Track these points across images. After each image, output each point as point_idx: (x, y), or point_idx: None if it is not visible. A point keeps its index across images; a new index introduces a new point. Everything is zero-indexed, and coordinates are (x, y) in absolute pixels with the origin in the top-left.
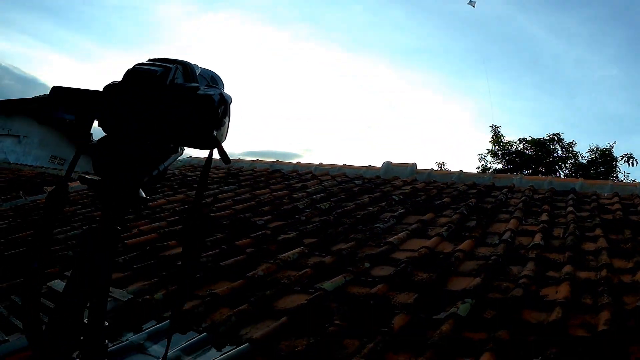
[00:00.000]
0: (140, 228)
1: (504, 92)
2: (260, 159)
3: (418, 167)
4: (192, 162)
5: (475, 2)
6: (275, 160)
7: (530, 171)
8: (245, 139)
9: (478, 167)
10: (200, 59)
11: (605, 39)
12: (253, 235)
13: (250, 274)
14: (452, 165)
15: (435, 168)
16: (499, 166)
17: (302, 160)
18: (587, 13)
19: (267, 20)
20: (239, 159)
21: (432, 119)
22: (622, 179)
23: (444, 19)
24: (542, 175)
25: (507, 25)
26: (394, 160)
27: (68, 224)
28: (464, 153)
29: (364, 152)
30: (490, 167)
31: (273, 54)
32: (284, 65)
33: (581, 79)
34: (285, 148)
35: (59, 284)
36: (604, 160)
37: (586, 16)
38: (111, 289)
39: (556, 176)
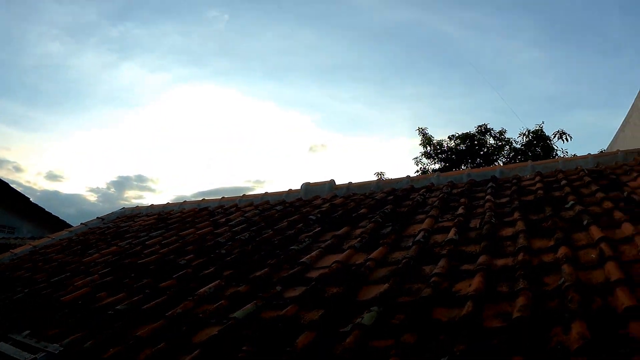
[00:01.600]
0: (76, 284)
1: (435, 94)
2: (187, 200)
3: (337, 183)
4: (124, 213)
5: None
6: (201, 199)
7: (470, 166)
8: (194, 180)
9: (417, 171)
10: (123, 107)
11: (518, 25)
12: (176, 275)
13: (170, 313)
14: (393, 174)
15: (374, 179)
16: (437, 166)
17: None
18: (493, 4)
19: (184, 60)
20: (168, 202)
21: (370, 130)
22: (562, 155)
23: (356, 34)
24: (484, 167)
25: (422, 29)
26: (314, 180)
27: (11, 290)
28: (405, 159)
29: (311, 174)
30: (428, 169)
31: (197, 93)
32: (212, 103)
33: (505, 68)
34: (235, 183)
35: (2, 346)
36: (539, 141)
37: (493, 7)
38: (46, 343)
39: (492, 166)
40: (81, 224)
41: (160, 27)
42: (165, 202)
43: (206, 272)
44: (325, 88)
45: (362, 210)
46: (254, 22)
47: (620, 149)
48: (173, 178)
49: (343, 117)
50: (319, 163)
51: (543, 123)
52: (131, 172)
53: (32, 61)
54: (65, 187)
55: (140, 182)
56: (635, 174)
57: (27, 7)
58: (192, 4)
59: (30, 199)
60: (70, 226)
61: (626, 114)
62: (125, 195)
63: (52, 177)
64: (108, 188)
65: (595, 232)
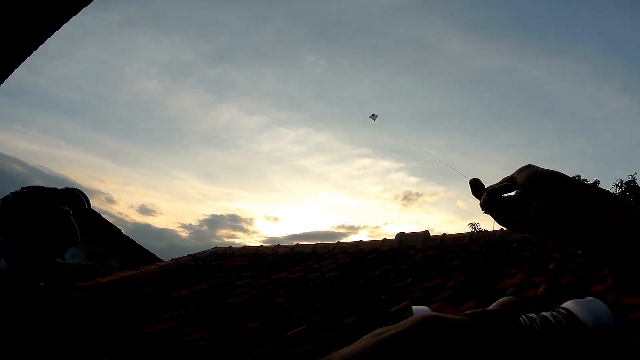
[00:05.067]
0: (162, 317)
1: (528, 142)
2: (281, 244)
3: (432, 234)
4: (216, 252)
5: (376, 116)
6: (295, 243)
7: None
8: (287, 222)
9: None
10: (220, 148)
11: (608, 71)
12: (264, 317)
13: (256, 352)
14: (488, 225)
15: (469, 230)
16: None
17: (345, 240)
18: (583, 50)
19: (282, 104)
20: (261, 245)
21: (465, 179)
22: None
23: (450, 81)
24: None
25: (512, 75)
26: (408, 229)
27: (95, 316)
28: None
29: (405, 222)
30: None
31: (293, 138)
32: (309, 147)
33: (596, 115)
34: (328, 228)
35: None
36: (632, 192)
37: (583, 53)
38: None
39: None
40: (172, 259)
41: (258, 70)
42: (258, 245)
43: (295, 315)
44: (421, 136)
45: (455, 263)
46: (351, 69)
47: None
48: (266, 220)
49: (438, 166)
50: (413, 211)
51: (635, 174)
52: (225, 212)
53: (130, 97)
54: (157, 222)
55: (233, 221)
56: None
57: (126, 43)
58: (290, 49)
59: (122, 231)
60: (160, 260)
61: None
62: (218, 234)
63: (144, 210)
64: (200, 226)
65: None
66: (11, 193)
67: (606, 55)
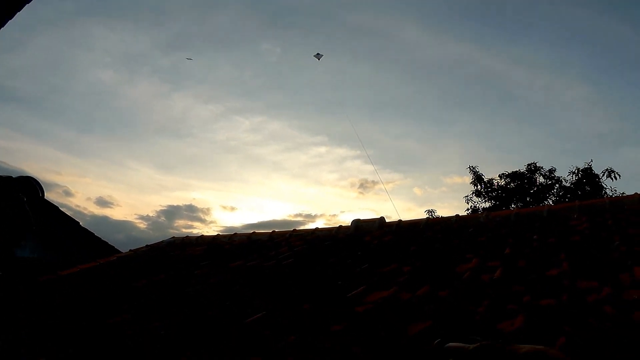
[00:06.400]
0: (123, 308)
1: (486, 130)
2: (237, 233)
3: (388, 221)
4: (174, 242)
5: (321, 55)
6: (251, 232)
7: (521, 204)
8: (244, 212)
9: (468, 209)
10: (175, 137)
11: (567, 60)
12: (223, 305)
13: (214, 339)
14: (445, 212)
15: (425, 217)
16: (487, 205)
17: (303, 227)
18: (542, 39)
19: (237, 92)
20: (218, 234)
21: (422, 167)
22: (610, 194)
23: (407, 69)
24: (532, 206)
25: (468, 63)
26: (364, 217)
27: (56, 309)
28: (457, 196)
29: (361, 210)
30: (478, 208)
31: (248, 127)
32: (265, 135)
33: (554, 104)
34: (285, 217)
35: None
36: (588, 179)
37: (542, 42)
38: None
39: (541, 205)
40: (130, 250)
41: (213, 58)
42: (215, 234)
43: (253, 303)
44: (377, 124)
45: (411, 248)
46: (306, 57)
47: None
48: (223, 209)
49: (394, 154)
50: (370, 199)
51: (592, 161)
52: (181, 202)
53: (84, 88)
54: (114, 213)
55: (190, 212)
56: None
57: (78, 32)
58: (245, 36)
59: (80, 223)
60: (119, 252)
61: None
62: (175, 225)
63: (101, 203)
64: (158, 217)
65: (639, 273)
66: None
67: (563, 44)
